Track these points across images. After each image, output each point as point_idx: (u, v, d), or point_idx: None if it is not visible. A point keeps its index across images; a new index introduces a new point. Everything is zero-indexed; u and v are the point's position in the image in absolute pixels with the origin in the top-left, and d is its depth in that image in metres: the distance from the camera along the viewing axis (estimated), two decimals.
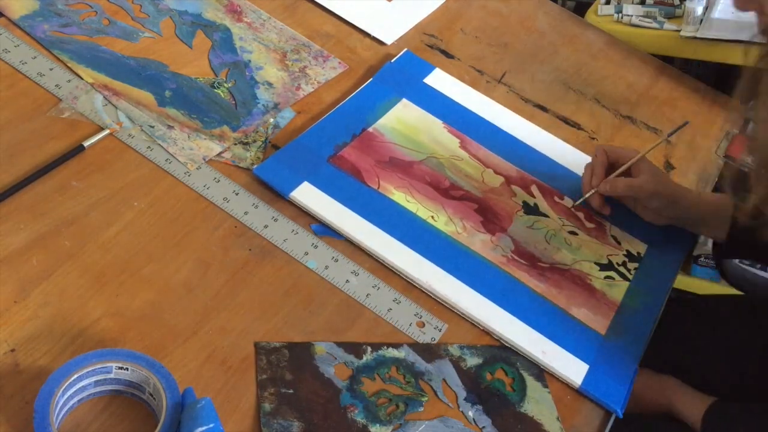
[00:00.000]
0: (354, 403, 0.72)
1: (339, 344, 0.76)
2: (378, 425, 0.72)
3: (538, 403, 0.77)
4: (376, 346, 0.77)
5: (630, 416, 0.80)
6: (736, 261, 1.30)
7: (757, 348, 0.98)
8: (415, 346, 0.78)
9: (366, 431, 0.71)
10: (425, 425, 0.73)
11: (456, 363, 0.78)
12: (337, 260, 0.83)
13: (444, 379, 0.76)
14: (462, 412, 0.75)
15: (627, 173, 0.94)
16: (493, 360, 0.80)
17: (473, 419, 0.75)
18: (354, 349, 0.76)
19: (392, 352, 0.77)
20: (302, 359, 0.74)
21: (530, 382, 0.79)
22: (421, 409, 0.74)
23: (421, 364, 0.77)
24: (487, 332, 0.81)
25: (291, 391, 0.71)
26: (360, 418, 0.71)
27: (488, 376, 0.78)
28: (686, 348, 1.01)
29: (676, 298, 0.96)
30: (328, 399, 0.72)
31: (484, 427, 0.74)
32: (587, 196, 0.95)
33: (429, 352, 0.78)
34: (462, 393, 0.76)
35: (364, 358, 0.76)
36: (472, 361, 0.79)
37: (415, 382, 0.76)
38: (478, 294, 0.83)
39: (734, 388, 0.96)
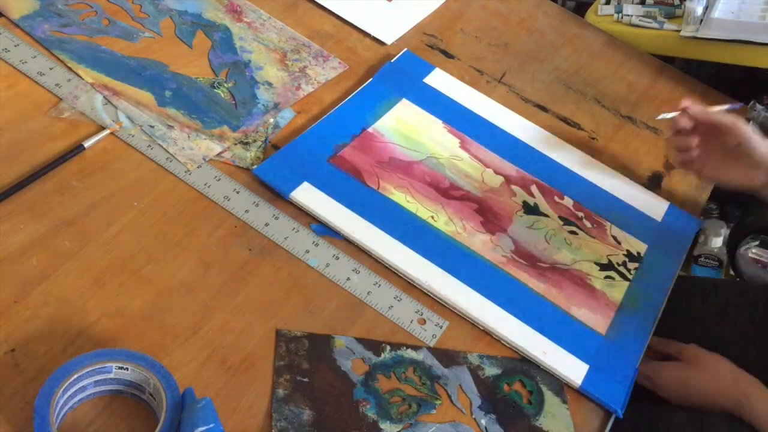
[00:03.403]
0: (367, 398, 0.73)
1: (359, 340, 0.77)
2: (389, 422, 0.72)
3: (555, 418, 0.76)
4: (395, 346, 0.77)
5: (631, 416, 0.80)
6: (752, 259, 1.29)
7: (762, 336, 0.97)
8: (435, 351, 0.78)
9: (376, 426, 0.71)
10: (436, 427, 0.73)
11: (474, 371, 0.78)
12: (338, 258, 0.83)
13: (460, 385, 0.76)
14: (475, 419, 0.74)
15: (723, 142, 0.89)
16: (513, 372, 0.79)
17: (485, 428, 0.74)
18: (373, 346, 0.77)
19: (410, 354, 0.77)
20: (321, 350, 0.75)
21: (549, 396, 0.78)
22: (434, 411, 0.74)
23: (438, 368, 0.77)
24: (486, 332, 0.81)
25: (306, 379, 0.72)
26: (371, 413, 0.72)
27: (506, 387, 0.78)
28: (695, 332, 0.99)
29: (686, 278, 0.95)
30: (341, 391, 0.72)
31: None
32: (678, 111, 0.89)
33: (448, 357, 0.78)
34: (477, 401, 0.76)
35: (382, 356, 0.76)
36: (490, 371, 0.79)
37: (430, 384, 0.76)
38: (478, 294, 0.83)
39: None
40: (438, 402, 0.75)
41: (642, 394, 0.88)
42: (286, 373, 0.72)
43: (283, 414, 0.69)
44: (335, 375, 0.73)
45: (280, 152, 0.90)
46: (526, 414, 0.76)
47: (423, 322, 0.80)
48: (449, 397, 0.75)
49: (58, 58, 0.92)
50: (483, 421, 0.74)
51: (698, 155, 0.95)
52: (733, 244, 1.16)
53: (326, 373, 0.73)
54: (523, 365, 0.80)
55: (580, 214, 0.97)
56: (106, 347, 0.68)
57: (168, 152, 0.86)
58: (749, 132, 0.89)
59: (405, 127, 0.99)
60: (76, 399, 0.65)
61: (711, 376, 0.87)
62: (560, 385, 0.79)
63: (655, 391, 0.89)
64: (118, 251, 0.77)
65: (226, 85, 0.96)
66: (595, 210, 0.98)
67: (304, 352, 0.74)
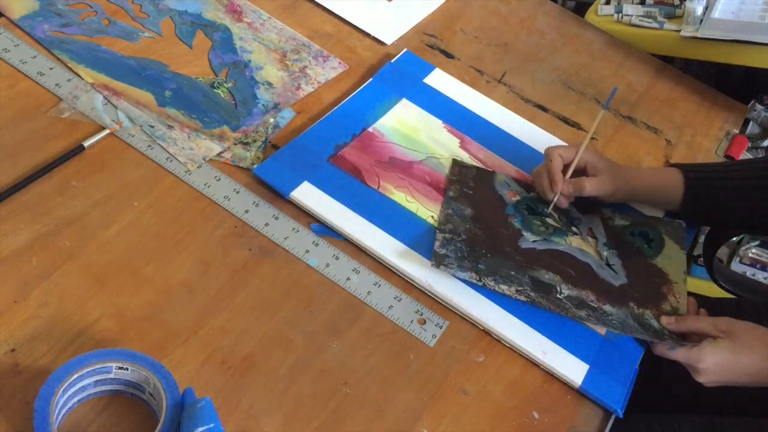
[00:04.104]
0: (515, 215, 0.91)
1: (516, 179, 0.96)
2: (529, 233, 0.89)
3: (670, 259, 0.91)
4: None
5: (630, 416, 0.79)
6: (752, 259, 1.28)
7: None
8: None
9: (519, 233, 0.89)
10: (565, 245, 0.90)
11: (605, 220, 0.94)
12: (338, 258, 0.83)
13: (590, 228, 0.92)
14: (598, 251, 0.90)
15: (584, 171, 0.92)
16: (640, 224, 0.94)
17: (606, 258, 0.90)
18: (526, 186, 0.95)
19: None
20: (485, 178, 0.95)
21: (670, 244, 0.93)
22: (565, 238, 0.90)
23: (574, 212, 0.93)
24: (486, 332, 0.81)
25: (471, 191, 0.92)
26: (517, 224, 0.90)
27: (630, 234, 0.93)
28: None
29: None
30: (496, 205, 0.92)
31: (613, 264, 0.89)
32: (555, 200, 0.91)
33: (584, 206, 0.93)
34: (602, 239, 0.92)
35: (532, 194, 0.94)
36: (620, 222, 0.94)
37: (566, 221, 0.92)
38: (478, 294, 0.83)
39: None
40: (570, 234, 0.91)
41: (648, 404, 0.88)
42: (457, 184, 0.92)
43: (451, 207, 0.89)
44: (493, 195, 0.93)
45: (280, 152, 0.90)
46: (645, 254, 0.91)
47: (423, 322, 0.80)
48: (580, 232, 0.92)
49: (58, 58, 0.92)
50: (605, 253, 0.90)
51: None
52: (709, 251, 1.09)
53: (487, 191, 0.93)
54: (649, 220, 0.95)
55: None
56: (106, 347, 0.68)
57: (168, 152, 0.86)
58: (591, 157, 0.91)
59: (405, 127, 0.99)
60: (76, 399, 0.65)
61: (758, 347, 0.78)
62: (683, 234, 0.94)
63: (696, 378, 0.80)
64: (118, 251, 0.77)
65: (226, 85, 0.96)
66: None
67: (472, 176, 0.94)
